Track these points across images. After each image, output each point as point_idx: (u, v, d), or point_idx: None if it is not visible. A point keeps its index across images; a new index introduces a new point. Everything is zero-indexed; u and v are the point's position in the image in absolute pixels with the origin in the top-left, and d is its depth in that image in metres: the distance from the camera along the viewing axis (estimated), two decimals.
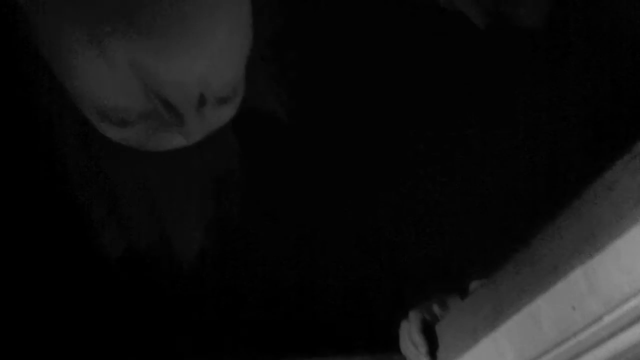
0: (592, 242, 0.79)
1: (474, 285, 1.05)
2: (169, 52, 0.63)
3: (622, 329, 0.77)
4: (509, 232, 0.92)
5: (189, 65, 0.64)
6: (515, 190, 0.88)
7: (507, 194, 0.89)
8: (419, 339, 1.02)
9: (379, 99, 0.87)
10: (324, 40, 0.83)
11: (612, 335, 0.78)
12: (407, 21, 0.83)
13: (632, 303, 0.74)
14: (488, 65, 0.85)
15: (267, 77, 0.76)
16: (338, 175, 0.87)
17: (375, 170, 0.88)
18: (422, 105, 0.87)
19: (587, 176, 0.80)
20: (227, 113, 0.71)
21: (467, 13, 0.81)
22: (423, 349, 1.02)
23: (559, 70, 0.83)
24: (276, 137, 0.83)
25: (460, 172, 0.90)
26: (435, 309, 1.04)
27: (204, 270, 0.79)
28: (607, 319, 0.77)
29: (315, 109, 0.83)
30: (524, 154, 0.88)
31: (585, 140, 0.82)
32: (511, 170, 0.88)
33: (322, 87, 0.84)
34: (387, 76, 0.85)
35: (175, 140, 0.71)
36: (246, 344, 0.99)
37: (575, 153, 0.83)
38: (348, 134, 0.87)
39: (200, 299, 0.84)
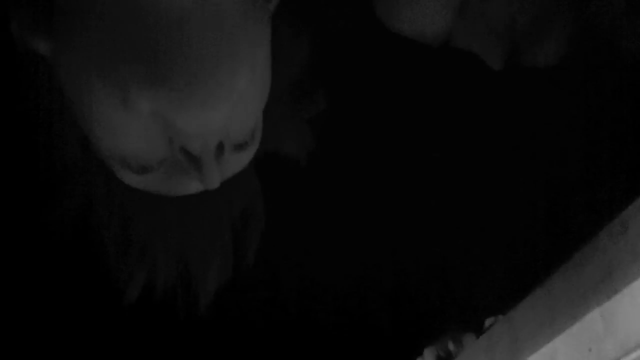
0: (608, 282, 0.78)
1: (488, 322, 1.04)
2: (190, 104, 0.63)
3: None
4: (525, 270, 0.91)
5: (209, 116, 0.64)
6: (531, 229, 0.88)
7: (523, 233, 0.89)
8: None
9: (398, 140, 0.87)
10: (343, 82, 0.84)
11: None
12: (422, 62, 0.84)
13: None
14: (502, 103, 0.85)
15: (285, 120, 0.76)
16: (358, 217, 0.87)
17: (393, 212, 0.88)
18: (440, 146, 0.87)
19: (603, 215, 0.80)
20: (244, 158, 0.71)
21: (481, 53, 0.81)
22: None
23: (574, 108, 0.83)
24: (296, 179, 0.83)
25: (476, 210, 0.90)
26: (450, 346, 1.03)
27: (220, 310, 0.79)
28: None
29: (335, 151, 0.83)
30: (542, 192, 0.87)
31: (602, 178, 0.82)
32: (527, 209, 0.88)
33: (342, 128, 0.84)
34: (405, 117, 0.86)
35: (193, 186, 0.71)
36: None
37: (591, 191, 0.82)
38: (368, 176, 0.87)
39: (216, 338, 0.84)
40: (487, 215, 0.89)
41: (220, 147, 0.68)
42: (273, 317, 0.87)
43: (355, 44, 0.83)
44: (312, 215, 0.87)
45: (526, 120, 0.84)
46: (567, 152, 0.82)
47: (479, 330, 1.04)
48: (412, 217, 0.88)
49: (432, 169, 0.87)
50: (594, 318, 0.79)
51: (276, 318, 0.87)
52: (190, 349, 0.83)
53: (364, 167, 0.87)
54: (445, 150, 0.86)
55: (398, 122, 0.86)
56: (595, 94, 0.79)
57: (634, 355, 0.75)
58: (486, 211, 0.89)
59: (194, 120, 0.63)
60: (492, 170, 0.87)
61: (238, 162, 0.71)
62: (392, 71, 0.85)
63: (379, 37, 0.81)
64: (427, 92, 0.85)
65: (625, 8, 0.76)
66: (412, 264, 0.92)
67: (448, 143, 0.86)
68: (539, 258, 0.91)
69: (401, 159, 0.86)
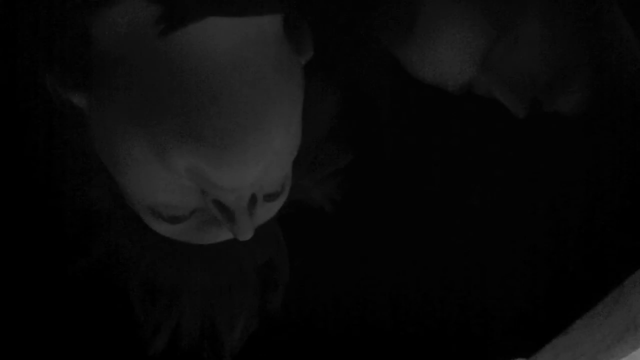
0: (633, 332, 0.78)
1: None
2: (225, 161, 0.63)
3: None
4: (546, 314, 0.91)
5: (244, 173, 0.64)
6: (556, 274, 0.88)
7: (546, 276, 0.89)
8: None
9: (421, 188, 0.87)
10: (369, 132, 0.84)
11: None
12: (447, 111, 0.84)
13: None
14: (525, 150, 0.85)
15: (312, 171, 0.76)
16: (382, 266, 0.87)
17: (416, 260, 0.88)
18: (464, 194, 0.87)
19: (627, 265, 0.80)
20: (274, 208, 0.72)
21: (503, 102, 0.82)
22: None
23: (595, 157, 0.83)
24: (321, 229, 0.83)
25: (498, 254, 0.90)
26: None
27: None
28: None
29: (361, 201, 0.83)
30: (564, 237, 0.87)
31: (624, 227, 0.82)
32: (549, 254, 0.88)
33: (366, 178, 0.84)
34: (430, 165, 0.86)
35: (223, 235, 0.71)
36: None
37: (617, 241, 0.83)
38: (392, 226, 0.87)
39: None
40: (509, 260, 0.89)
41: (253, 199, 0.68)
42: None
43: (380, 94, 0.83)
44: (336, 262, 0.87)
45: (549, 167, 0.84)
46: (589, 197, 0.82)
47: None
48: (434, 262, 0.88)
49: (456, 217, 0.87)
50: None
51: None
52: None
53: (388, 217, 0.87)
54: (469, 197, 0.87)
55: (422, 170, 0.86)
56: (617, 144, 0.80)
57: None
58: (508, 256, 0.89)
59: (229, 177, 0.64)
60: (514, 216, 0.87)
61: (268, 211, 0.71)
62: (418, 120, 0.86)
63: (405, 87, 0.82)
64: (452, 141, 0.85)
65: None
66: (432, 308, 0.91)
67: (472, 190, 0.86)
68: (560, 304, 0.90)
69: (426, 207, 0.86)
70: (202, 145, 0.62)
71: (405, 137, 0.84)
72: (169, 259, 0.75)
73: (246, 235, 0.67)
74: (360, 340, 0.87)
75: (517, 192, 0.87)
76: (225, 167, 0.63)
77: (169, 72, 0.62)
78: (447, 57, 0.79)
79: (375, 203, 0.86)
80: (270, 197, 0.70)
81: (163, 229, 0.70)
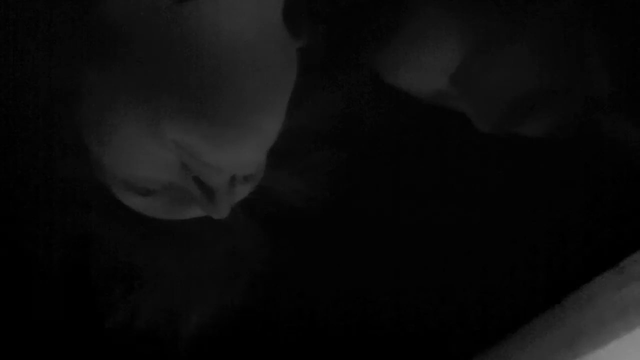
0: (570, 348, 0.81)
1: None
2: (224, 141, 0.64)
3: None
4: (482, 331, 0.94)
5: (238, 153, 0.66)
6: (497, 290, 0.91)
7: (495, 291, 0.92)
8: None
9: (401, 196, 0.89)
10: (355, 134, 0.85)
11: None
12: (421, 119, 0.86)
13: None
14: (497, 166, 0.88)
15: (285, 161, 0.77)
16: (358, 268, 0.89)
17: (392, 260, 0.89)
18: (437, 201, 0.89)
19: (567, 283, 0.84)
20: (247, 190, 0.72)
21: (469, 116, 0.85)
22: None
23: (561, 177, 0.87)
24: (295, 227, 0.84)
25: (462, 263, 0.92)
26: None
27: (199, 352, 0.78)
28: None
29: (333, 197, 0.84)
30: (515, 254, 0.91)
31: (573, 247, 0.86)
32: (497, 267, 0.91)
33: (358, 177, 0.85)
34: (408, 174, 0.88)
35: (193, 212, 0.70)
36: None
37: (564, 258, 0.87)
38: (366, 225, 0.88)
39: None
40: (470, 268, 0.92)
41: (233, 180, 0.68)
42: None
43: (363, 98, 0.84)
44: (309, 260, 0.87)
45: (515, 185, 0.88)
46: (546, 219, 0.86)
47: None
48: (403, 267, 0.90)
49: (430, 224, 0.89)
50: None
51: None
52: None
53: (369, 221, 0.89)
54: (442, 204, 0.89)
55: (405, 179, 0.89)
56: (575, 174, 0.84)
57: None
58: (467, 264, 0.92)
59: (222, 155, 0.64)
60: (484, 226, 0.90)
61: (243, 192, 0.72)
62: (398, 131, 0.87)
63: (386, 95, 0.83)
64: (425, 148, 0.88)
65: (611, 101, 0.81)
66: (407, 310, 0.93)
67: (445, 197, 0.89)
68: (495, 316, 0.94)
69: (401, 213, 0.88)
70: (201, 122, 0.63)
71: (393, 137, 0.86)
72: (133, 239, 0.74)
73: (223, 214, 0.68)
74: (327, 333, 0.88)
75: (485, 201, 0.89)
76: (221, 145, 0.64)
77: (173, 47, 0.63)
78: (422, 64, 0.82)
79: (366, 203, 0.88)
80: (246, 178, 0.70)
81: (133, 201, 0.70)
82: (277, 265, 0.80)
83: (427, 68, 0.82)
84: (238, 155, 0.65)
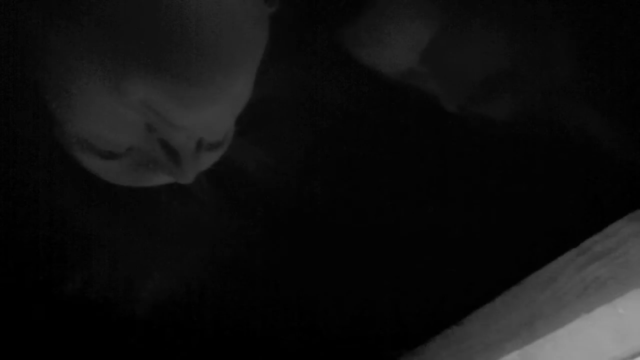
0: (530, 328, 0.82)
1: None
2: (191, 99, 0.63)
3: None
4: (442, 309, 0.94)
5: (203, 113, 0.64)
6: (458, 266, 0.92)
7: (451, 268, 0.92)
8: None
9: (358, 174, 0.88)
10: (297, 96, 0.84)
11: None
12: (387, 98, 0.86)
13: None
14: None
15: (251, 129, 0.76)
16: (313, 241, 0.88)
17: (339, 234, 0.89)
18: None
19: (528, 263, 0.84)
20: (214, 157, 0.71)
21: (436, 93, 0.85)
22: None
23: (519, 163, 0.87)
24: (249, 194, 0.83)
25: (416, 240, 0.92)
26: None
27: (156, 317, 0.77)
28: None
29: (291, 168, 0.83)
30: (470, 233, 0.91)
31: (535, 228, 0.87)
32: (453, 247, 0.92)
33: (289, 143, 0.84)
34: (371, 153, 0.88)
35: (156, 179, 0.69)
36: None
37: (524, 240, 0.87)
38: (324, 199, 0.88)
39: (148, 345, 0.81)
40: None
41: (199, 144, 0.67)
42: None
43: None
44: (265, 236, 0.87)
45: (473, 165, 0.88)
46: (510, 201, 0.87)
47: None
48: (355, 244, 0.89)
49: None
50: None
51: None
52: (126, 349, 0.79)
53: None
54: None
55: (368, 159, 0.88)
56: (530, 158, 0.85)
57: None
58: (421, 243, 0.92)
59: (186, 115, 0.63)
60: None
61: (208, 160, 0.71)
62: (365, 108, 0.87)
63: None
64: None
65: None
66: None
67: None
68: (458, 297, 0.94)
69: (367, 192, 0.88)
70: (167, 80, 0.61)
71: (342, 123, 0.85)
72: (88, 203, 0.73)
73: (188, 178, 0.67)
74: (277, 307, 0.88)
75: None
76: (188, 104, 0.63)
77: (140, 2, 0.60)
78: (392, 41, 0.81)
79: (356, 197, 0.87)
80: (213, 146, 0.69)
81: (95, 165, 0.68)
82: (240, 242, 0.79)
83: (397, 45, 0.82)
84: (205, 117, 0.64)
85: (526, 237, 0.86)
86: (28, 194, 0.72)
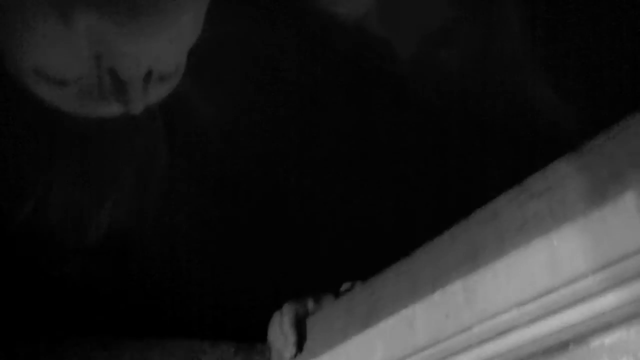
0: (474, 259, 0.87)
1: (345, 286, 1.12)
2: (137, 28, 0.64)
3: (489, 339, 0.86)
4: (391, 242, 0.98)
5: (151, 42, 0.66)
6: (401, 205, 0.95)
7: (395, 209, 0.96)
8: (289, 329, 1.08)
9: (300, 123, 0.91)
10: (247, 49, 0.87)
11: (479, 344, 0.87)
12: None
13: (503, 318, 0.83)
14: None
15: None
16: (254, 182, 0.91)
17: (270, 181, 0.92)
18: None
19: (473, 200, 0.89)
20: (165, 90, 0.73)
21: (391, 40, 0.88)
22: (292, 339, 1.07)
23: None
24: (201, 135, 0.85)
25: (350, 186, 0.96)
26: (310, 304, 1.10)
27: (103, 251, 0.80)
28: (477, 330, 0.85)
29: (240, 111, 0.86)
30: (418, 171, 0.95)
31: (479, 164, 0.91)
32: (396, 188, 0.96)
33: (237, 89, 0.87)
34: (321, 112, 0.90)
35: (102, 109, 0.72)
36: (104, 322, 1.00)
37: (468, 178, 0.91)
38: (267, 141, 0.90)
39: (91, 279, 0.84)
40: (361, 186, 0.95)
41: (148, 75, 0.70)
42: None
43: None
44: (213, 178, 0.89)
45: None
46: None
47: (337, 293, 1.11)
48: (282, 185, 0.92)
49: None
50: (456, 289, 0.88)
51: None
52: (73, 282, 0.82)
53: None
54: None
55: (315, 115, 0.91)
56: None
57: (486, 324, 0.85)
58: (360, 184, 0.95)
59: (135, 43, 0.65)
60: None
61: (159, 93, 0.73)
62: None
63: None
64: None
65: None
66: (278, 232, 0.96)
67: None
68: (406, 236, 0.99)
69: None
70: (113, 6, 0.63)
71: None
72: (41, 137, 0.75)
73: (137, 108, 0.69)
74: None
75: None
76: (136, 33, 0.64)
77: None
78: None
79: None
80: (163, 78, 0.72)
81: (46, 92, 0.70)
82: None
83: None
84: (153, 45, 0.66)
85: (474, 178, 0.90)
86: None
